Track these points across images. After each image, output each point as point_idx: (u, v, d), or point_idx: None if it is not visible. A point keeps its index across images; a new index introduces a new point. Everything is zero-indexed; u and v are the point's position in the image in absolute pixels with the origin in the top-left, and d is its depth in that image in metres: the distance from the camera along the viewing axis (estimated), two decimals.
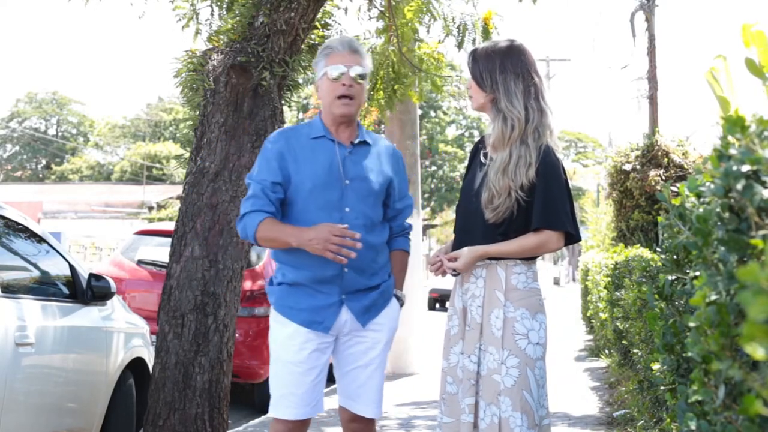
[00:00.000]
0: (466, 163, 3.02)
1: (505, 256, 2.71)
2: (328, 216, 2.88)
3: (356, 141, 3.00)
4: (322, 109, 3.03)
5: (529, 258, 2.76)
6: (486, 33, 5.94)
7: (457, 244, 2.81)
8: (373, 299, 2.97)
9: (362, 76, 2.96)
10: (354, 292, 2.93)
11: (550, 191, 2.69)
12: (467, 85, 2.87)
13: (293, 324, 2.92)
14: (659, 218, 2.08)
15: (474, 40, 5.96)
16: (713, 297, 1.31)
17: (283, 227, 2.85)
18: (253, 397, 6.85)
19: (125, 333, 4.61)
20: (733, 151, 1.27)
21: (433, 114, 45.91)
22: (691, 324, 1.36)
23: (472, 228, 2.77)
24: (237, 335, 5.51)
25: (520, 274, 2.73)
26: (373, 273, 2.97)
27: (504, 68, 2.75)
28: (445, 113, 47.04)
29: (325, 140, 2.97)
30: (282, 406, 2.93)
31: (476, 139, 3.06)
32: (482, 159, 2.86)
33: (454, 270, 2.76)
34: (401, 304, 3.10)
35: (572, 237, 2.75)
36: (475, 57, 2.82)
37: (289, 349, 2.92)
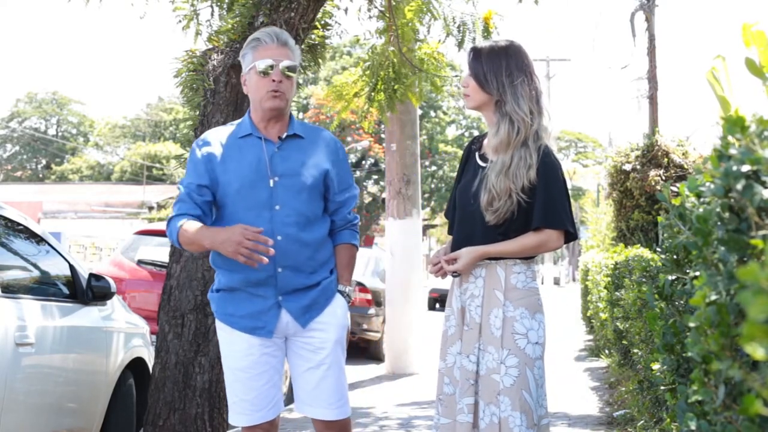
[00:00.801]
0: (459, 165, 3.00)
1: (506, 255, 2.71)
2: (257, 215, 2.80)
3: (284, 135, 2.90)
4: (251, 105, 2.95)
5: (529, 257, 2.76)
6: (486, 33, 5.94)
7: (456, 246, 2.80)
8: (313, 298, 2.87)
9: (292, 70, 2.88)
10: (291, 292, 2.84)
11: (550, 191, 2.69)
12: (464, 83, 2.84)
13: (236, 331, 2.87)
14: (659, 218, 2.08)
15: (474, 40, 5.96)
16: (713, 297, 1.31)
17: (200, 229, 2.76)
18: None
19: (125, 333, 4.61)
20: (733, 151, 1.27)
21: (433, 114, 45.90)
22: (691, 324, 1.36)
23: (471, 229, 2.77)
24: None
25: (519, 274, 2.73)
26: (311, 271, 2.87)
27: (510, 70, 2.74)
28: (445, 113, 47.03)
29: (252, 138, 2.90)
30: (235, 413, 2.90)
31: (471, 140, 3.03)
32: (478, 161, 2.85)
33: (455, 272, 2.75)
34: (348, 300, 2.99)
35: (571, 235, 2.76)
36: (478, 56, 2.80)
37: (234, 355, 2.88)
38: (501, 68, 2.75)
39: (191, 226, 2.78)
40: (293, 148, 2.91)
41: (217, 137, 2.95)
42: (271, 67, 2.85)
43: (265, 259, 2.66)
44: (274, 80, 2.84)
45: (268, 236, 2.75)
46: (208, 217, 2.88)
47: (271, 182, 2.84)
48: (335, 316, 2.92)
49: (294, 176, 2.86)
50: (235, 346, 2.87)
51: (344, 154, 3.04)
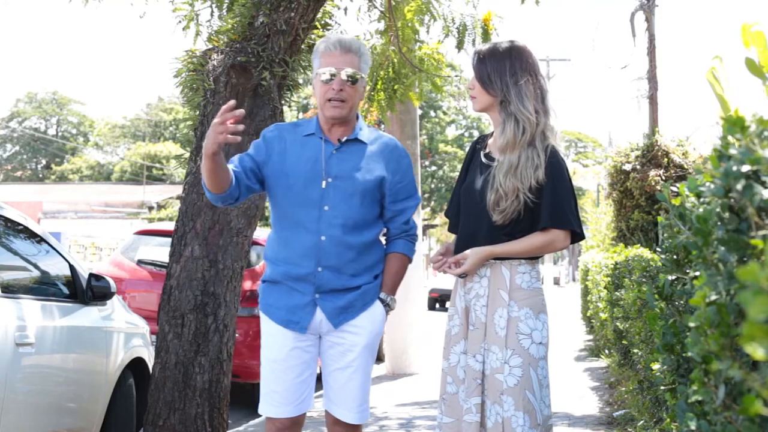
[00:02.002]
0: (463, 163, 3.00)
1: (513, 255, 2.71)
2: (307, 213, 2.87)
3: (345, 139, 2.94)
4: (318, 108, 3.01)
5: (533, 258, 2.76)
6: (486, 34, 5.95)
7: (461, 246, 2.80)
8: (350, 300, 2.90)
9: (354, 78, 2.90)
10: (328, 292, 2.88)
11: (557, 191, 2.70)
12: (469, 86, 2.85)
13: (273, 322, 2.93)
14: (659, 218, 2.08)
15: (474, 41, 5.97)
16: (713, 297, 1.31)
17: None
18: (253, 397, 6.85)
19: (125, 333, 4.61)
20: (733, 151, 1.27)
21: (433, 114, 45.91)
22: (691, 324, 1.36)
23: (476, 229, 2.77)
24: (237, 335, 5.52)
25: (524, 274, 2.73)
26: (353, 274, 2.90)
27: (513, 70, 2.75)
28: (445, 113, 47.03)
29: (315, 138, 2.95)
30: (265, 403, 2.94)
31: (476, 139, 3.04)
32: (483, 160, 2.85)
33: (462, 273, 2.75)
34: (388, 309, 2.98)
35: (577, 235, 2.76)
36: (482, 58, 2.80)
37: (270, 346, 2.93)
38: (505, 69, 2.75)
39: None
40: (351, 152, 2.95)
41: (283, 129, 3.04)
42: (333, 75, 2.89)
43: (240, 127, 2.63)
44: (334, 89, 2.88)
45: (313, 235, 2.86)
46: (250, 179, 2.92)
47: (324, 183, 2.89)
48: (371, 322, 2.94)
49: (347, 179, 2.90)
50: (272, 338, 2.93)
51: (408, 164, 3.05)
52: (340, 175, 2.90)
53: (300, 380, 2.92)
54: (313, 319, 2.89)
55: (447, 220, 3.01)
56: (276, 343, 2.91)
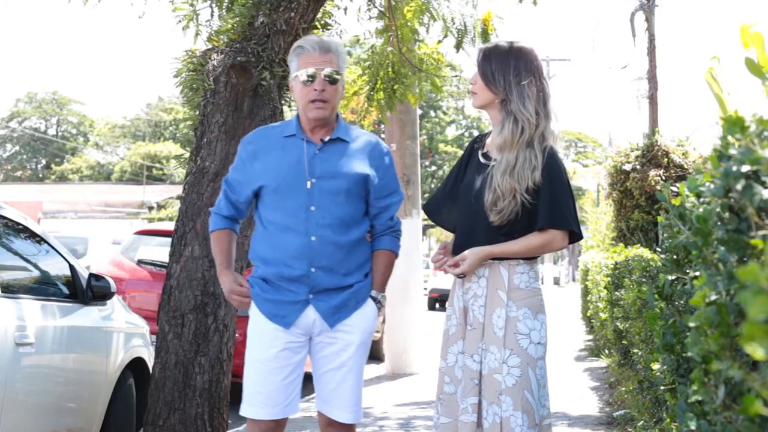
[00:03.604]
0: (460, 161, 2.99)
1: (510, 255, 2.71)
2: (293, 216, 2.85)
3: (327, 138, 2.93)
4: (298, 109, 2.99)
5: (532, 258, 2.76)
6: (485, 34, 5.94)
7: (459, 245, 2.80)
8: (344, 299, 2.89)
9: (334, 77, 2.90)
10: (322, 291, 2.87)
11: (555, 192, 2.69)
12: (472, 80, 2.85)
13: (262, 321, 2.90)
14: (659, 218, 2.08)
15: (473, 41, 5.96)
16: (713, 297, 1.31)
17: (217, 253, 3.04)
18: None
19: (125, 333, 4.61)
20: (733, 151, 1.27)
21: (433, 114, 45.92)
22: (691, 324, 1.37)
23: (474, 229, 2.77)
24: (237, 335, 5.52)
25: (522, 274, 2.73)
26: (345, 273, 2.89)
27: (518, 70, 2.75)
28: (445, 113, 47.05)
29: (296, 139, 2.94)
30: (249, 404, 2.90)
31: (473, 138, 3.03)
32: (481, 159, 2.85)
33: (461, 274, 2.75)
34: (379, 306, 2.99)
35: (575, 235, 2.76)
36: (487, 55, 2.80)
37: (258, 346, 2.91)
38: (509, 67, 2.75)
39: (217, 241, 3.05)
40: (334, 151, 2.94)
41: (262, 135, 3.03)
42: (313, 76, 2.88)
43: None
44: (316, 89, 2.87)
45: (302, 236, 2.85)
46: (243, 214, 3.05)
47: (309, 184, 2.87)
48: (364, 321, 2.94)
49: (331, 179, 2.89)
50: (261, 337, 2.91)
51: (390, 160, 3.06)
52: (324, 174, 2.89)
53: (287, 382, 2.89)
54: (304, 319, 2.87)
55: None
56: (264, 343, 2.88)
